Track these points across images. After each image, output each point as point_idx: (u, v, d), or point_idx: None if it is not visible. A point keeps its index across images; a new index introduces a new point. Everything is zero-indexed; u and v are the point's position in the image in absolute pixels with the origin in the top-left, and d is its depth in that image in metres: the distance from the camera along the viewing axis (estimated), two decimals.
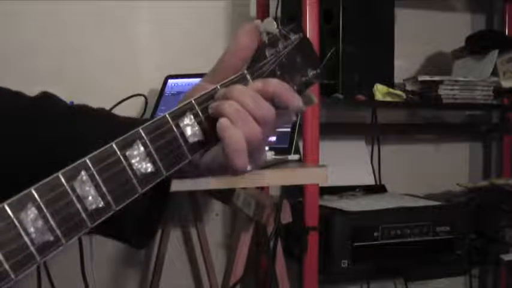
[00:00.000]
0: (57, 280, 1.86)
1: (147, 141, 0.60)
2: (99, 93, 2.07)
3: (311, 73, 0.73)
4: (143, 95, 2.05)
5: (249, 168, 0.64)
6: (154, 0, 2.23)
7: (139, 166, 0.60)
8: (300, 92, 0.71)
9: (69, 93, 1.86)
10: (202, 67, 2.13)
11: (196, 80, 2.24)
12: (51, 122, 0.72)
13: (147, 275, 2.28)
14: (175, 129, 0.62)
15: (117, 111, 1.90)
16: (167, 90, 2.04)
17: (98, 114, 0.76)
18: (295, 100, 0.66)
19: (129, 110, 2.05)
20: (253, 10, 2.35)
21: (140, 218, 0.70)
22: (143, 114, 2.04)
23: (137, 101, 2.08)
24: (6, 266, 0.50)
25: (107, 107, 1.89)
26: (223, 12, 2.31)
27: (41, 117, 0.72)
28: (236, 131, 0.61)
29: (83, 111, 0.77)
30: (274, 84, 0.65)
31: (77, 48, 2.13)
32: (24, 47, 2.06)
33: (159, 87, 2.06)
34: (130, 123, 0.74)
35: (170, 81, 2.06)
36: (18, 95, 0.77)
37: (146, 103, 2.04)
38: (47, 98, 0.77)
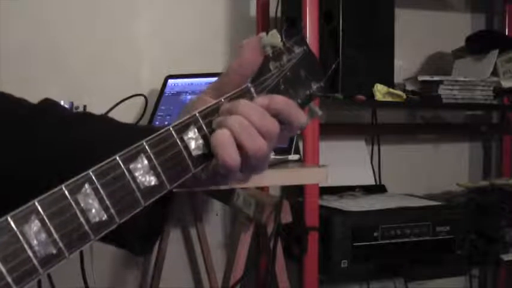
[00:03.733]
0: (57, 280, 1.86)
1: (151, 155, 0.60)
2: (99, 93, 2.07)
3: (315, 86, 0.72)
4: (143, 95, 2.05)
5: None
6: (154, 0, 2.22)
7: (143, 179, 0.59)
8: (303, 105, 0.71)
9: (69, 94, 1.87)
10: (202, 67, 2.14)
11: (196, 80, 2.22)
12: (53, 129, 0.72)
13: (147, 275, 2.28)
14: (179, 143, 0.62)
15: (117, 111, 1.91)
16: (167, 90, 2.04)
17: (100, 121, 0.76)
18: (300, 118, 0.66)
19: (129, 110, 2.05)
20: (253, 10, 2.34)
21: (141, 226, 0.70)
22: (143, 114, 2.04)
23: (137, 101, 2.07)
24: (9, 279, 0.50)
25: (107, 107, 1.90)
26: (223, 12, 2.31)
27: (43, 123, 0.72)
28: (222, 130, 0.62)
29: (85, 117, 0.77)
30: (281, 102, 0.65)
31: (77, 47, 2.12)
32: (24, 47, 2.05)
33: (159, 87, 2.06)
34: (132, 130, 0.74)
35: (170, 81, 2.06)
36: (20, 101, 0.76)
37: (146, 103, 2.03)
38: (49, 105, 0.77)
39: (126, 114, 2.01)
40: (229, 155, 0.62)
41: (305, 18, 1.83)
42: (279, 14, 2.17)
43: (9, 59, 2.02)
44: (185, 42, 2.26)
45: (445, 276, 2.39)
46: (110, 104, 1.91)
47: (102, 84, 2.13)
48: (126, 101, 1.98)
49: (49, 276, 1.83)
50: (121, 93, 1.99)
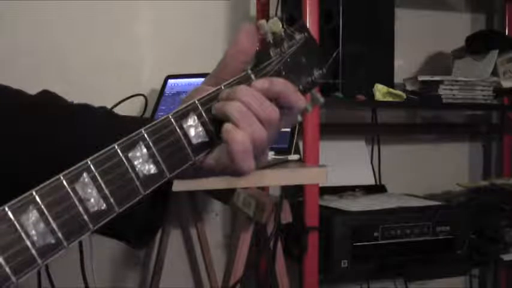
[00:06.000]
0: (57, 280, 1.86)
1: (150, 143, 0.59)
2: (99, 93, 2.06)
3: (317, 73, 0.72)
4: (143, 95, 2.05)
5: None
6: (154, 0, 2.22)
7: (142, 168, 0.59)
8: (305, 92, 0.71)
9: (69, 93, 1.86)
10: (202, 67, 2.14)
11: (196, 80, 2.23)
12: (53, 120, 0.71)
13: (147, 275, 2.28)
14: (178, 130, 0.61)
15: (117, 111, 1.90)
16: (167, 90, 2.04)
17: (99, 112, 0.76)
18: (300, 101, 0.65)
19: (129, 110, 2.05)
20: (253, 10, 2.35)
21: (141, 219, 0.69)
22: (143, 114, 2.04)
23: (137, 101, 2.07)
24: (7, 269, 0.50)
25: (107, 107, 1.90)
26: (223, 12, 2.31)
27: (43, 115, 0.72)
28: (241, 133, 0.60)
29: (84, 109, 0.77)
30: (280, 84, 0.64)
31: (77, 48, 2.12)
32: (24, 46, 2.06)
33: (159, 87, 2.06)
34: (132, 121, 0.74)
35: (170, 81, 2.06)
36: (18, 93, 0.76)
37: (146, 103, 2.03)
38: (47, 96, 0.77)
39: (126, 114, 2.01)
40: (249, 166, 0.61)
41: (305, 18, 1.83)
42: (279, 14, 2.17)
43: (10, 59, 2.02)
44: (185, 42, 2.26)
45: (445, 276, 2.39)
46: (110, 104, 1.90)
47: (102, 84, 2.13)
48: (126, 101, 1.98)
49: (49, 276, 1.83)
50: (121, 93, 1.99)
